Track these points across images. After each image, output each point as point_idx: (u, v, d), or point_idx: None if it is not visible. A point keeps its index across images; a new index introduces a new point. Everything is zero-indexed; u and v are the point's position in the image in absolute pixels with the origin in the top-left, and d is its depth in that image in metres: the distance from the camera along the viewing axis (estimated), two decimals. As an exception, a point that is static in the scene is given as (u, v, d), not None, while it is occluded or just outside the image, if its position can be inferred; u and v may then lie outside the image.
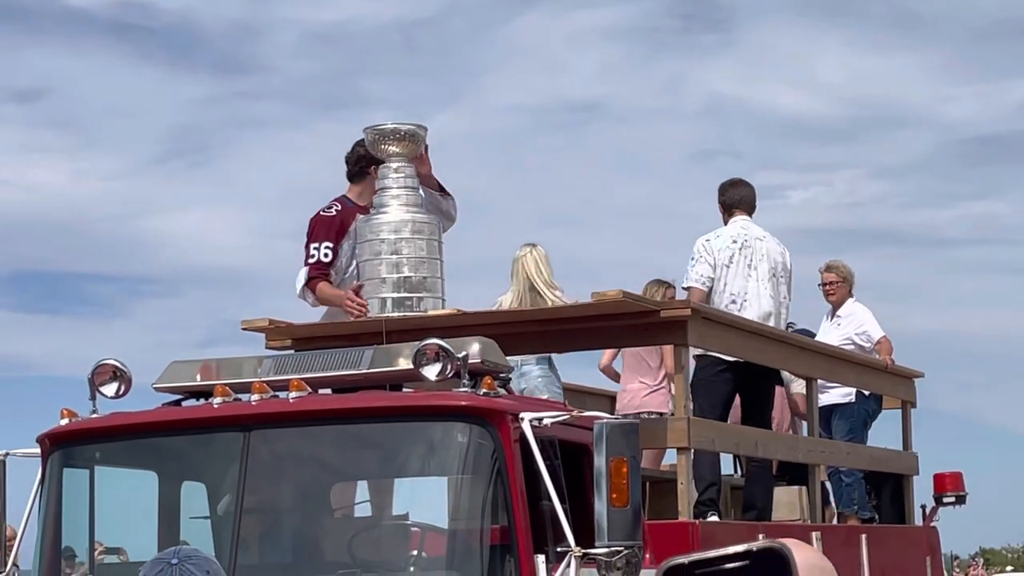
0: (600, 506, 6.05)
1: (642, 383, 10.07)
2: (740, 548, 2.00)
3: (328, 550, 6.88)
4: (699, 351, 9.09)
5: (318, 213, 8.83)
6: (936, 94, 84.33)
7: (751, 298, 9.42)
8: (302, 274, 8.70)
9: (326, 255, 8.67)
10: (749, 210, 9.82)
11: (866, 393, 10.95)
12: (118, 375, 6.94)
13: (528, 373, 9.41)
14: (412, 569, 6.78)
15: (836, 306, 11.51)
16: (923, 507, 11.01)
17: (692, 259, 9.46)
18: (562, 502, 6.20)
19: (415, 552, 6.88)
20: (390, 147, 8.38)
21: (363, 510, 7.12)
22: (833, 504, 10.64)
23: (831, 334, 11.23)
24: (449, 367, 6.40)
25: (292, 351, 8.13)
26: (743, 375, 9.23)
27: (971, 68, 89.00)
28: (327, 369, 6.91)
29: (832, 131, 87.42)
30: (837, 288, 11.48)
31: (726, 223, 9.76)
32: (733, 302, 9.38)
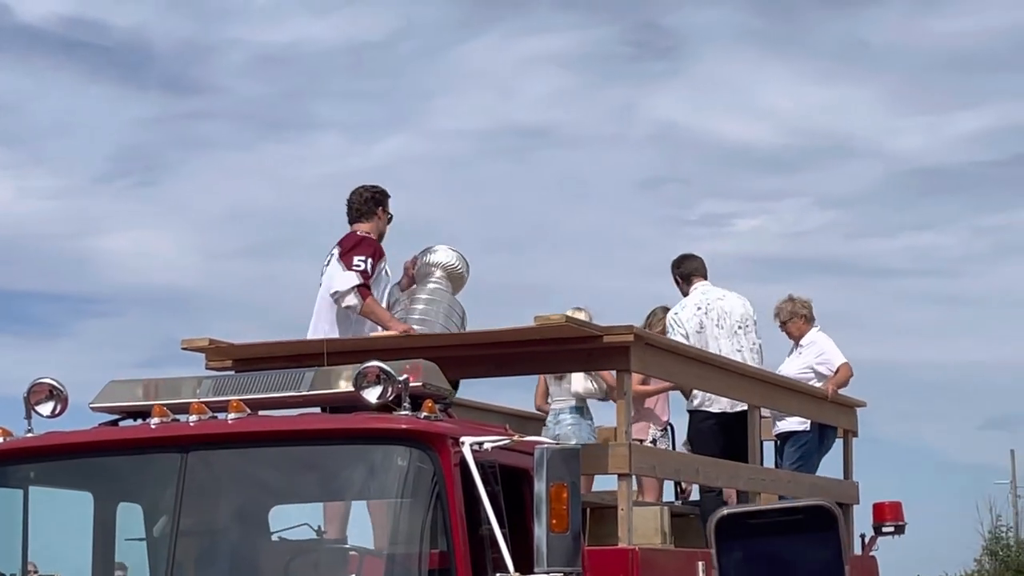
0: (540, 531, 6.03)
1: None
2: (792, 504, 2.05)
3: (265, 573, 6.85)
4: (692, 406, 10.12)
5: (354, 233, 9.34)
6: (882, 125, 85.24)
7: (727, 356, 10.12)
8: (350, 277, 8.96)
9: (368, 270, 8.95)
10: (704, 276, 10.77)
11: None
12: (54, 394, 6.90)
13: (562, 421, 9.97)
14: None
15: (797, 339, 11.62)
16: (862, 536, 11.05)
17: (668, 331, 10.34)
18: (502, 527, 6.19)
19: (353, 575, 6.87)
20: (435, 273, 9.05)
21: (301, 533, 7.06)
22: None
23: (792, 364, 11.39)
24: (390, 390, 6.39)
25: (232, 372, 8.11)
26: (729, 421, 9.69)
27: (917, 100, 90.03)
28: (267, 390, 6.89)
29: (779, 160, 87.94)
30: (790, 326, 11.61)
31: (685, 293, 10.68)
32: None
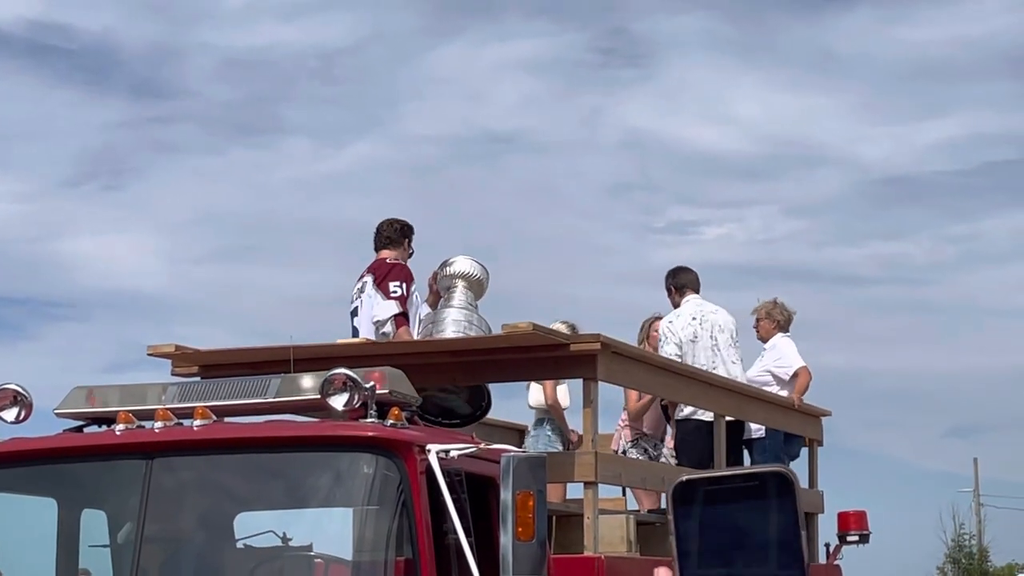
0: (505, 539, 6.02)
1: (630, 426, 10.64)
2: (749, 470, 2.11)
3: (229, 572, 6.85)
4: (682, 415, 10.25)
5: (385, 260, 9.77)
6: (850, 134, 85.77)
7: (718, 367, 10.47)
8: (390, 306, 9.42)
9: (404, 295, 9.36)
10: (697, 289, 11.01)
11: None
12: (18, 400, 6.87)
13: (539, 436, 10.31)
14: None
15: (764, 340, 11.69)
16: (827, 545, 11.08)
17: (661, 340, 10.59)
18: (467, 535, 6.20)
19: None
20: (458, 284, 9.09)
21: (266, 541, 7.04)
22: None
23: (754, 367, 11.42)
24: (356, 397, 6.40)
25: (198, 378, 8.10)
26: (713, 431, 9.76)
27: (885, 109, 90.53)
28: (233, 397, 6.88)
29: (747, 168, 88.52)
30: (761, 326, 11.66)
31: (676, 304, 10.93)
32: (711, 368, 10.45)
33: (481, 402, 8.67)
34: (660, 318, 10.89)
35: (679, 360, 10.37)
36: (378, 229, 9.88)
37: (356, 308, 9.55)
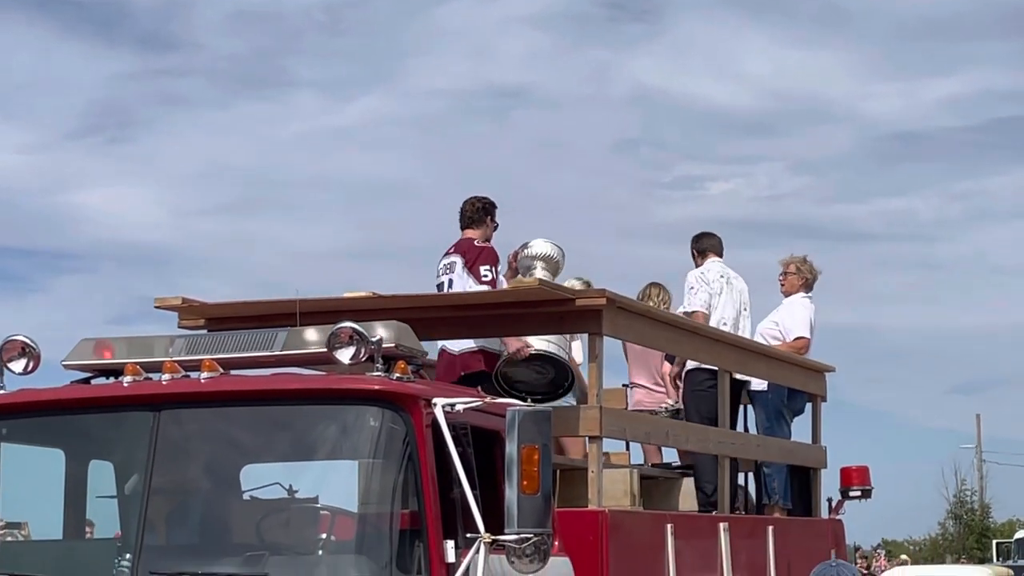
0: (511, 493, 6.04)
1: (643, 386, 10.69)
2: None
3: (237, 532, 6.81)
4: (692, 365, 10.14)
5: (473, 243, 9.79)
6: (858, 91, 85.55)
7: (738, 325, 10.71)
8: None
9: (494, 279, 9.39)
10: (720, 253, 11.09)
11: None
12: (26, 351, 6.89)
13: None
14: (321, 552, 6.72)
15: (786, 296, 11.60)
16: (829, 500, 11.10)
17: (691, 288, 10.76)
18: (473, 488, 6.20)
19: (324, 535, 6.83)
20: (538, 267, 9.11)
21: (273, 492, 7.01)
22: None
23: (767, 318, 11.41)
24: (362, 351, 6.40)
25: (205, 331, 8.09)
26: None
27: (894, 66, 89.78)
28: (240, 350, 6.90)
29: (755, 124, 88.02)
30: (788, 280, 11.55)
31: (698, 264, 11.09)
32: (724, 324, 10.54)
33: (564, 380, 8.66)
34: (659, 285, 10.90)
35: (708, 307, 10.55)
36: (462, 208, 9.94)
37: (442, 284, 9.56)
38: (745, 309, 10.90)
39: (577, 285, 9.65)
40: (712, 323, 10.36)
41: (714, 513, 9.36)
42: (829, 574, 6.87)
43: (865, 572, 20.93)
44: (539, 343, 8.75)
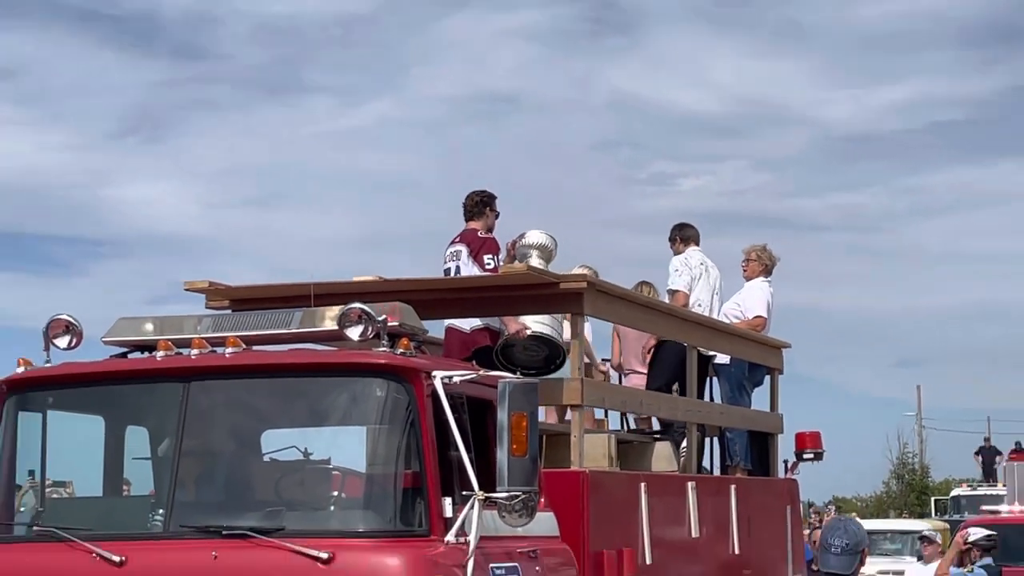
0: (501, 455, 6.08)
1: (637, 372, 10.56)
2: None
3: (257, 490, 6.80)
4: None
5: (476, 233, 9.68)
6: (814, 96, 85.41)
7: (711, 307, 10.79)
8: None
9: (496, 267, 9.22)
10: (698, 242, 11.07)
11: None
12: (70, 329, 6.86)
13: None
14: (332, 508, 6.71)
15: (748, 280, 11.56)
16: (785, 462, 11.10)
17: (676, 271, 10.78)
18: (468, 451, 6.22)
19: (335, 493, 6.83)
20: (533, 254, 9.04)
21: (290, 455, 7.00)
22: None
23: (730, 300, 11.37)
24: (370, 329, 6.40)
25: (229, 311, 8.06)
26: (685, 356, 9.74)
27: (845, 74, 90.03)
28: (260, 328, 6.87)
29: (721, 127, 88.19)
30: (750, 266, 11.51)
31: (678, 251, 11.06)
32: (699, 306, 10.60)
33: (556, 358, 8.59)
34: (650, 284, 10.86)
35: (689, 288, 10.60)
36: (464, 203, 9.87)
37: (449, 270, 9.46)
38: (717, 294, 10.89)
39: (584, 272, 9.52)
40: (690, 304, 10.40)
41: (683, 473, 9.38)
42: (837, 527, 6.91)
43: (817, 525, 20.94)
44: (536, 326, 8.72)
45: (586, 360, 9.80)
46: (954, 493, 35.94)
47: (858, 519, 8.17)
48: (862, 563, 7.09)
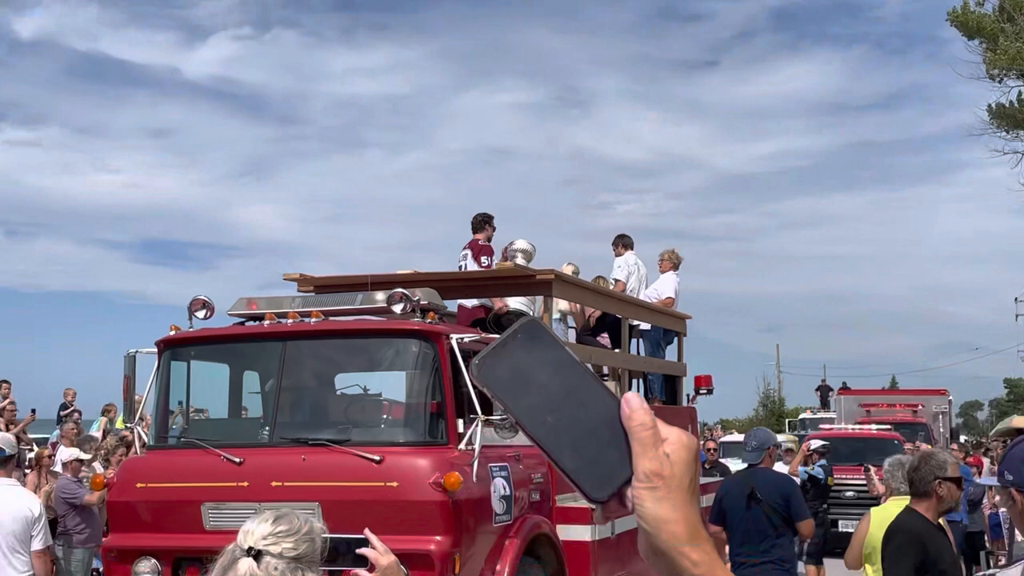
0: None
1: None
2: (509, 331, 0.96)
3: (332, 414, 6.85)
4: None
5: (478, 242, 9.57)
6: (708, 149, 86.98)
7: (639, 292, 10.71)
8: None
9: (491, 266, 9.13)
10: (632, 247, 11.01)
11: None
12: (206, 305, 6.87)
13: (556, 330, 10.06)
14: (382, 426, 6.78)
15: (663, 273, 11.40)
16: (688, 395, 11.10)
17: (619, 267, 10.71)
18: (473, 389, 6.16)
19: (385, 416, 6.90)
20: (519, 256, 8.96)
21: (354, 391, 7.11)
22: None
23: (652, 286, 11.22)
24: (408, 306, 6.40)
25: (313, 293, 8.07)
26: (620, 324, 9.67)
27: (729, 134, 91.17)
28: (334, 304, 6.88)
29: (645, 170, 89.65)
30: (663, 263, 11.35)
31: (619, 254, 10.92)
32: (633, 291, 10.52)
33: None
34: (601, 276, 10.74)
35: (627, 279, 10.55)
36: (472, 220, 9.76)
37: (461, 267, 9.39)
38: (643, 282, 10.85)
39: (570, 269, 9.55)
40: (626, 289, 10.38)
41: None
42: (752, 432, 6.90)
43: (710, 437, 20.79)
44: (514, 303, 8.70)
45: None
46: (801, 416, 35.88)
47: (767, 429, 8.04)
48: (771, 457, 7.09)
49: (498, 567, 6.25)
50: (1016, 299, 39.31)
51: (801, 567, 10.17)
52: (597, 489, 0.97)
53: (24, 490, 6.56)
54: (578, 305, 10.01)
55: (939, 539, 4.75)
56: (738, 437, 22.95)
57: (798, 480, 10.38)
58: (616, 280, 10.54)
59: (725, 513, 6.71)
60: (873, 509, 6.01)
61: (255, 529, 2.17)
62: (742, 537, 6.59)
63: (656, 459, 0.95)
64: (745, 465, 7.17)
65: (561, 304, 9.59)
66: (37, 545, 6.17)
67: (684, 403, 10.93)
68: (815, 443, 12.57)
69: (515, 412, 0.95)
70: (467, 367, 6.28)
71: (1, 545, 6.07)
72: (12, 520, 6.10)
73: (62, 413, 12.27)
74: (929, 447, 12.25)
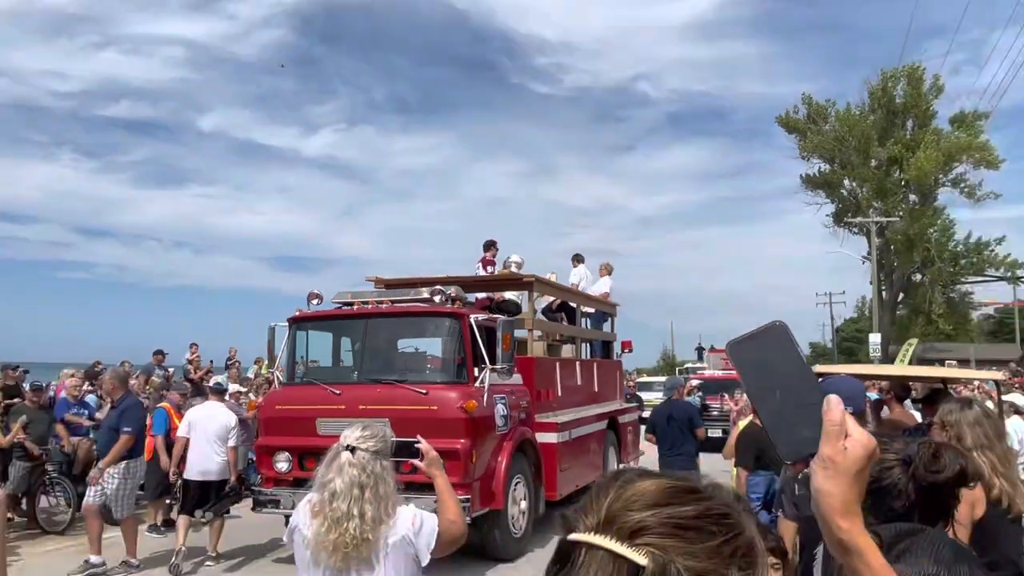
0: (499, 351, 6.22)
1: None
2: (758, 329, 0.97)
3: (396, 365, 6.68)
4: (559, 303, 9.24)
5: (487, 258, 8.94)
6: (630, 200, 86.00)
7: (588, 290, 9.99)
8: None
9: (491, 271, 8.72)
10: (584, 261, 10.59)
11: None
12: (317, 296, 6.88)
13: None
14: (427, 372, 6.60)
15: (601, 276, 11.00)
16: (617, 353, 11.14)
17: (574, 274, 10.19)
18: (485, 349, 6.29)
19: (429, 366, 6.77)
20: (513, 266, 8.45)
21: (411, 351, 6.99)
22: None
23: (595, 286, 10.70)
24: (443, 297, 6.45)
25: (384, 288, 7.91)
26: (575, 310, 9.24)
27: (643, 190, 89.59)
28: (397, 296, 6.79)
29: (590, 213, 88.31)
30: (602, 269, 10.95)
31: (575, 266, 10.38)
32: (585, 290, 9.92)
33: (518, 311, 7.91)
34: (552, 272, 9.71)
35: (579, 283, 10.02)
36: (483, 244, 9.29)
37: (476, 272, 8.98)
38: (590, 284, 10.41)
39: (553, 276, 9.10)
40: (580, 288, 9.99)
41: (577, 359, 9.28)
42: (668, 379, 6.75)
43: (631, 383, 20.35)
44: (509, 295, 8.34)
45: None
46: (686, 366, 35.93)
47: (678, 376, 8.08)
48: (679, 393, 7.12)
49: (499, 458, 6.34)
50: (816, 293, 41.57)
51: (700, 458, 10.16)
52: (789, 454, 0.85)
53: (227, 409, 6.70)
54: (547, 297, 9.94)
55: (768, 441, 5.15)
56: (648, 379, 23.29)
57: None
58: (572, 283, 10.13)
59: (655, 427, 6.80)
60: (739, 423, 5.90)
61: (350, 434, 2.12)
62: (666, 442, 6.64)
63: (835, 448, 0.82)
64: (665, 398, 7.22)
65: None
66: (231, 443, 6.49)
67: (615, 358, 10.92)
68: (694, 382, 12.79)
69: (748, 383, 0.85)
70: (482, 335, 6.33)
71: (211, 441, 6.38)
72: (217, 427, 6.43)
73: (228, 363, 12.57)
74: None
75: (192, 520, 6.36)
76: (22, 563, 6.22)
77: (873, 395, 6.20)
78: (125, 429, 5.75)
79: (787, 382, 0.84)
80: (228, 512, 6.67)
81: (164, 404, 7.65)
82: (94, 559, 5.74)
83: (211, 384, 7.30)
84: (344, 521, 1.97)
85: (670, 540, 0.64)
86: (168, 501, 7.70)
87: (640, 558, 0.63)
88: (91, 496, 5.74)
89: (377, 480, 2.02)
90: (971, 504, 2.10)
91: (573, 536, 0.66)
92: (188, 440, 6.39)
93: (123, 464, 5.74)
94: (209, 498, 6.33)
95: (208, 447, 6.33)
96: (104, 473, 5.72)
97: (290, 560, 2.22)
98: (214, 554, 6.34)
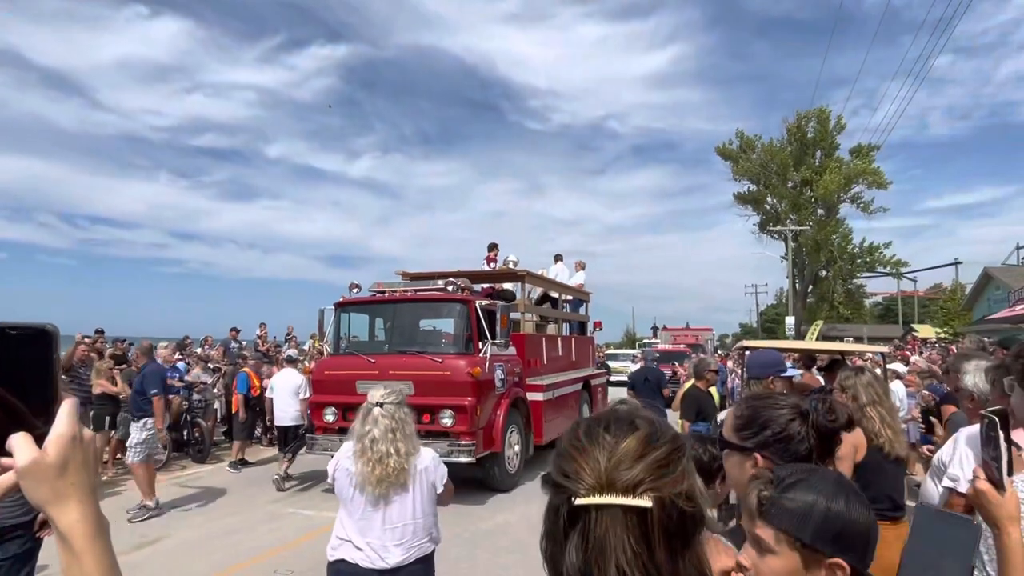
0: (498, 328, 6.13)
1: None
2: (507, 289, 0.65)
3: (419, 339, 6.51)
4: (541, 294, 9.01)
5: (490, 257, 8.43)
6: (601, 212, 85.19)
7: (569, 282, 9.62)
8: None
9: (493, 267, 8.24)
10: (562, 260, 10.13)
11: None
12: (358, 285, 6.82)
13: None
14: (443, 345, 6.38)
15: (576, 271, 10.60)
16: (590, 331, 10.90)
17: (555, 270, 9.66)
18: (488, 327, 6.22)
19: (444, 340, 6.53)
20: (510, 263, 8.07)
21: (430, 329, 6.78)
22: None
23: (572, 279, 10.51)
24: (455, 287, 6.38)
25: (410, 280, 7.68)
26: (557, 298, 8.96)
27: (610, 205, 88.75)
28: (420, 286, 6.64)
29: (570, 222, 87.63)
30: (577, 267, 10.57)
31: (556, 262, 9.90)
32: (565, 281, 9.47)
33: (513, 298, 7.64)
34: (543, 270, 9.29)
35: (559, 277, 9.53)
36: (487, 245, 8.75)
37: (482, 268, 8.45)
38: (569, 278, 9.93)
39: (513, 257, 8.44)
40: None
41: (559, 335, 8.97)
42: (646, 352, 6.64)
43: (600, 355, 19.73)
44: (507, 286, 7.95)
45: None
46: (644, 341, 35.97)
47: (652, 350, 7.84)
48: (654, 363, 7.00)
49: (498, 412, 6.30)
50: (745, 285, 42.31)
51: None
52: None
53: (297, 373, 6.87)
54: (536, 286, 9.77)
55: (706, 400, 5.15)
56: (614, 352, 23.27)
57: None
58: (555, 276, 9.72)
59: (635, 386, 6.74)
60: (684, 384, 5.77)
61: (376, 394, 2.18)
62: (641, 397, 6.57)
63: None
64: (641, 365, 7.17)
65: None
66: (301, 395, 6.65)
67: (588, 335, 10.46)
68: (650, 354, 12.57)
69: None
70: (485, 317, 6.23)
71: (286, 398, 6.59)
72: (291, 387, 6.69)
73: (287, 337, 12.60)
74: (703, 355, 12.33)
75: (281, 456, 6.71)
76: (128, 493, 6.19)
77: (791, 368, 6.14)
78: (152, 392, 5.48)
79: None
80: (301, 449, 6.71)
81: (246, 368, 7.96)
82: (148, 502, 5.62)
83: (284, 356, 7.61)
84: (386, 459, 2.11)
85: (660, 480, 0.65)
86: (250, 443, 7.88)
87: (645, 502, 0.63)
88: (132, 455, 5.53)
89: (403, 423, 2.15)
90: (854, 446, 2.09)
91: (582, 501, 0.64)
92: (272, 399, 6.85)
93: (142, 420, 5.53)
94: (288, 440, 6.72)
95: (284, 402, 6.74)
96: (131, 427, 5.53)
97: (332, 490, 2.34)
98: (284, 475, 6.57)
